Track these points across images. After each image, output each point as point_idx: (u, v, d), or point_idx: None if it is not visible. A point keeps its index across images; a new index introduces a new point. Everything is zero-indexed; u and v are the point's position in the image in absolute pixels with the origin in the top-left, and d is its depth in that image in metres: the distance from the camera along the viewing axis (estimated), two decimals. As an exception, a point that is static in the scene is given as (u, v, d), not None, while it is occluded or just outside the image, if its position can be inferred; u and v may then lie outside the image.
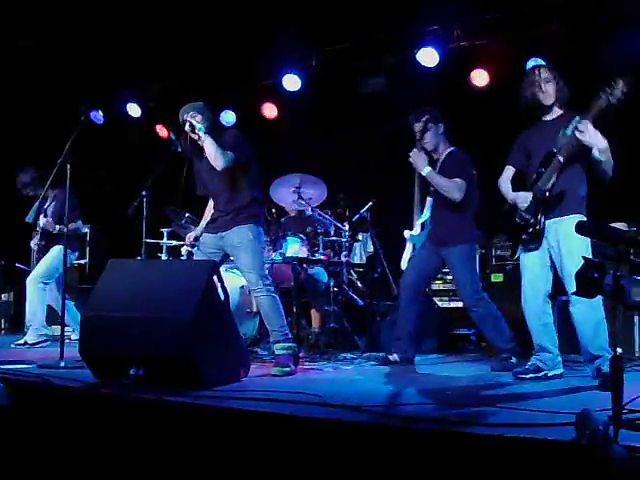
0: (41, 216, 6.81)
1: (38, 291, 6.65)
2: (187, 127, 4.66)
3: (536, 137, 4.35)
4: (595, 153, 4.02)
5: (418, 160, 4.98)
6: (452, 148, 5.15)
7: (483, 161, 5.19)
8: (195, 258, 4.95)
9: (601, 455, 2.11)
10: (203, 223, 5.17)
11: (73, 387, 3.72)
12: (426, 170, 4.93)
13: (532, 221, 4.24)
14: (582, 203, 4.21)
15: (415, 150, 5.02)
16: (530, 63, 6.91)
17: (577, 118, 4.05)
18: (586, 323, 4.01)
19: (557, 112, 4.31)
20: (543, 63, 4.88)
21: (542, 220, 4.21)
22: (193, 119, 4.69)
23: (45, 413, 3.57)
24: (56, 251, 6.70)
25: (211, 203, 5.03)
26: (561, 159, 4.09)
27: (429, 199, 5.17)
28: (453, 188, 4.88)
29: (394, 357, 5.12)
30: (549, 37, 6.80)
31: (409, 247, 5.29)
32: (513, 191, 4.40)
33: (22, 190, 6.97)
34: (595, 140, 3.97)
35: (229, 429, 2.99)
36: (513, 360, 4.80)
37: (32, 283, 6.70)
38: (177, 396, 3.32)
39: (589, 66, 4.30)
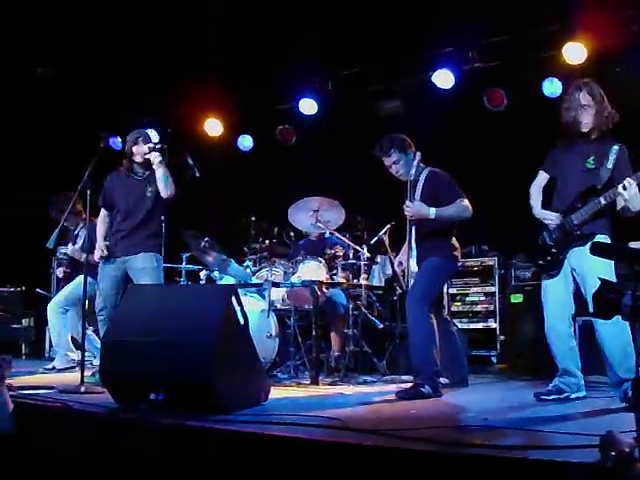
0: (70, 244, 6.88)
1: (58, 317, 6.69)
2: None
3: (571, 153, 4.24)
4: (626, 205, 3.97)
5: (419, 210, 4.71)
6: (429, 169, 4.99)
7: (499, 182, 5.17)
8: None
9: (626, 477, 2.08)
10: None
11: (93, 412, 3.72)
12: (432, 212, 4.70)
13: (554, 250, 4.22)
14: (607, 226, 4.14)
15: (408, 203, 4.74)
16: (545, 84, 6.93)
17: (615, 147, 4.03)
18: (614, 345, 3.92)
19: (595, 134, 4.16)
20: (587, 83, 4.22)
21: (565, 252, 4.17)
22: None
23: (65, 438, 3.58)
24: (80, 280, 6.68)
25: None
26: (603, 202, 4.00)
27: (410, 229, 4.91)
28: (463, 211, 4.78)
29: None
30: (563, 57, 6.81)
31: None
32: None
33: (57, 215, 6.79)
34: (633, 201, 3.91)
35: (249, 454, 2.97)
36: (424, 390, 4.48)
37: (52, 309, 6.75)
38: (197, 421, 3.31)
39: (603, 87, 4.20)
